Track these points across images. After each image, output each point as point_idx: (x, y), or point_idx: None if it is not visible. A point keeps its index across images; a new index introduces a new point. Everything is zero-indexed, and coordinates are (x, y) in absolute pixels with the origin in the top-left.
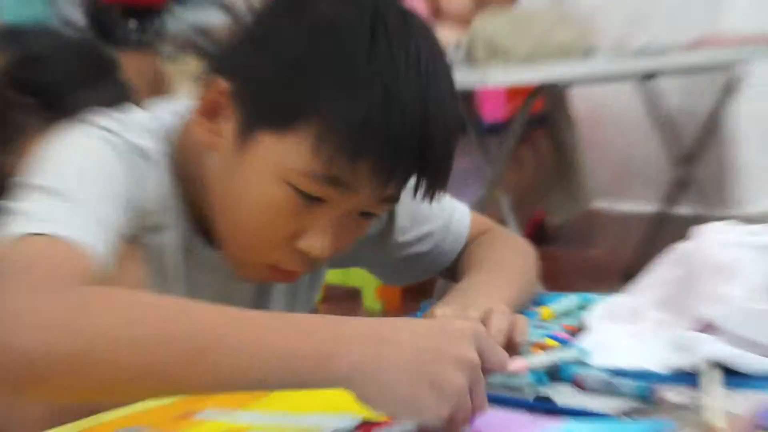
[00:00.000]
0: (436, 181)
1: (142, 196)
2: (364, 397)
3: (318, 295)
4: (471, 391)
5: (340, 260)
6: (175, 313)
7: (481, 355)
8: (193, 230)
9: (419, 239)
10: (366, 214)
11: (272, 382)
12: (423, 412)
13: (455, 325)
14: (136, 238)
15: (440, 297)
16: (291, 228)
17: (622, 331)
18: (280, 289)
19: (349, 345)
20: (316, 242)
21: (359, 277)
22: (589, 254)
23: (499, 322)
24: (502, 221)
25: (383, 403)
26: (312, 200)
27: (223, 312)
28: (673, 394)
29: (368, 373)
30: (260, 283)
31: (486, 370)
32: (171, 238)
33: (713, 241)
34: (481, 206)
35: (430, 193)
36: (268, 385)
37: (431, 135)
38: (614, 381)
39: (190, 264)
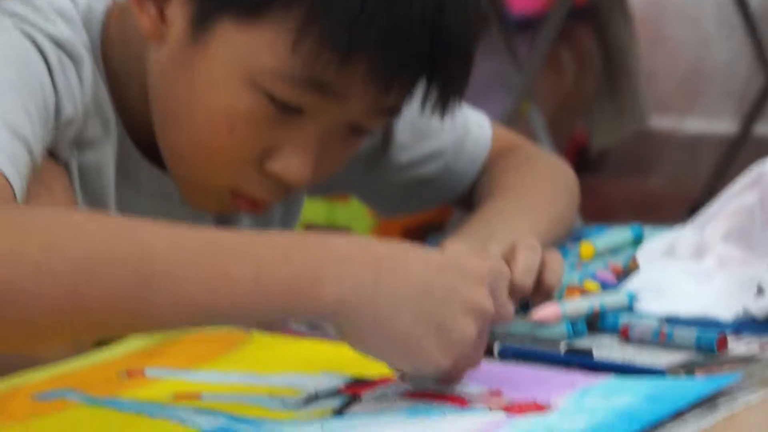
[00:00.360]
0: (450, 89)
1: (68, 102)
2: (351, 336)
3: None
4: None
5: (322, 187)
6: (118, 232)
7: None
8: (130, 145)
9: (424, 159)
10: (357, 130)
11: (240, 313)
12: (421, 360)
13: (472, 262)
14: (61, 155)
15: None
16: (260, 145)
17: (682, 269)
18: (245, 224)
19: (338, 268)
20: (291, 164)
21: (348, 214)
22: (645, 186)
23: (527, 260)
24: (533, 141)
25: (375, 343)
26: (288, 110)
27: (174, 230)
28: (741, 345)
29: (361, 303)
30: (220, 215)
31: (492, 321)
32: (103, 154)
33: None
34: (507, 121)
35: (442, 105)
36: (235, 317)
37: (446, 28)
38: (669, 330)
39: (128, 187)
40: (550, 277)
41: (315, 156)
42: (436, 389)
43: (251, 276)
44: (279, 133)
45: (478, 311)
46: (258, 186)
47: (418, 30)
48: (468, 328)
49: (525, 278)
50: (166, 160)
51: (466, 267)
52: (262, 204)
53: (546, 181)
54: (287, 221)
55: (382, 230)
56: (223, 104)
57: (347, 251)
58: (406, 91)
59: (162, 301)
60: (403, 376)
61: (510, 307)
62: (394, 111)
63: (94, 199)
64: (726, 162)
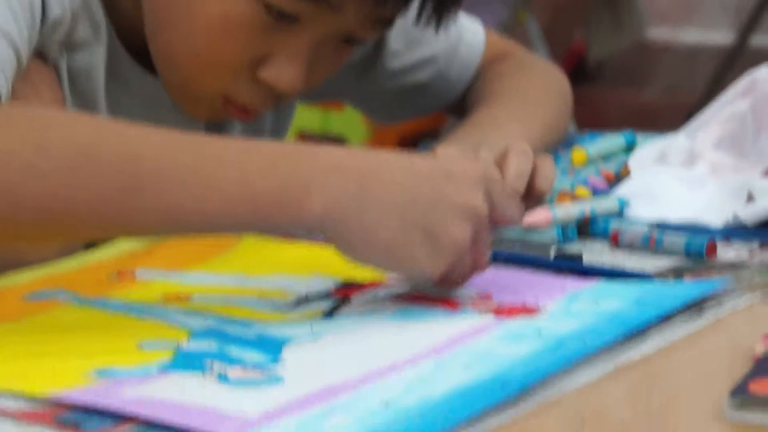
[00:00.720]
0: (447, 1)
1: (54, 3)
2: (340, 245)
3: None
4: (472, 247)
5: (314, 93)
6: (109, 134)
7: (489, 205)
8: (121, 49)
9: (416, 65)
10: (350, 40)
11: (226, 222)
12: (412, 267)
13: (463, 165)
14: (50, 56)
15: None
16: (253, 52)
17: (673, 176)
18: (236, 131)
19: (324, 178)
20: (283, 72)
21: (343, 122)
22: (641, 96)
23: (519, 165)
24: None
25: (364, 252)
26: (283, 18)
27: (164, 135)
28: (731, 251)
29: (348, 213)
30: (211, 121)
31: (494, 224)
32: (93, 57)
33: None
34: (504, 31)
35: (438, 17)
36: (222, 227)
37: None
38: (659, 236)
39: (119, 92)
40: (541, 183)
41: (307, 65)
42: (435, 293)
43: (238, 184)
44: (272, 41)
45: (469, 214)
46: (249, 93)
47: None
48: (459, 233)
49: (516, 183)
50: (157, 64)
51: (455, 171)
52: (252, 111)
53: (539, 87)
54: (278, 129)
55: (377, 138)
56: (217, 10)
57: (334, 161)
58: (402, 3)
59: (147, 206)
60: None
61: (518, 209)
62: (388, 22)
63: (83, 102)
64: (722, 73)
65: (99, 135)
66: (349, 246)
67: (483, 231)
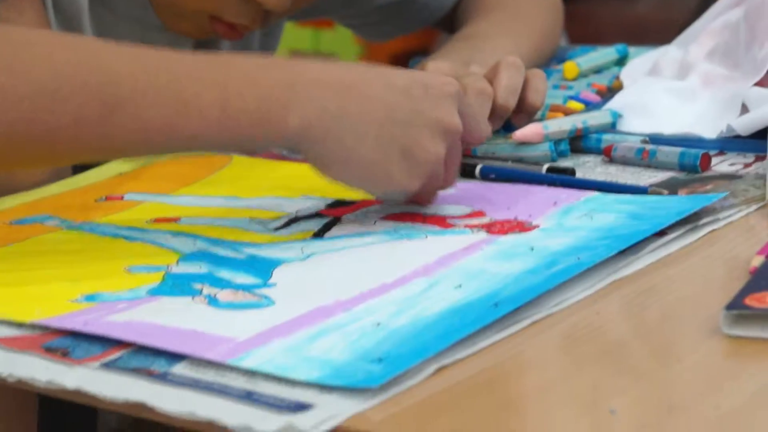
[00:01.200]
0: None
1: None
2: (318, 163)
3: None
4: (446, 161)
5: (303, 12)
6: (81, 54)
7: (461, 121)
8: None
9: None
10: None
11: (206, 141)
12: (390, 184)
13: (441, 80)
14: None
15: None
16: None
17: (666, 88)
18: (225, 48)
19: (304, 95)
20: None
21: (334, 41)
22: (633, 9)
23: (510, 79)
24: None
25: (342, 171)
26: None
27: (143, 53)
28: (725, 164)
29: (327, 131)
30: (199, 40)
31: (464, 141)
32: None
33: None
34: None
35: None
36: (201, 145)
37: None
38: (652, 149)
39: (105, 12)
40: (532, 97)
41: None
42: (411, 210)
43: (217, 104)
44: None
45: (443, 129)
46: (237, 11)
47: None
48: (434, 147)
49: (508, 97)
50: None
51: (431, 84)
52: (240, 29)
53: (529, 3)
54: (266, 48)
55: (369, 57)
56: None
57: (315, 75)
58: None
59: (127, 126)
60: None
61: (485, 126)
62: None
63: (68, 23)
64: None
65: (76, 56)
66: (326, 165)
67: (455, 148)
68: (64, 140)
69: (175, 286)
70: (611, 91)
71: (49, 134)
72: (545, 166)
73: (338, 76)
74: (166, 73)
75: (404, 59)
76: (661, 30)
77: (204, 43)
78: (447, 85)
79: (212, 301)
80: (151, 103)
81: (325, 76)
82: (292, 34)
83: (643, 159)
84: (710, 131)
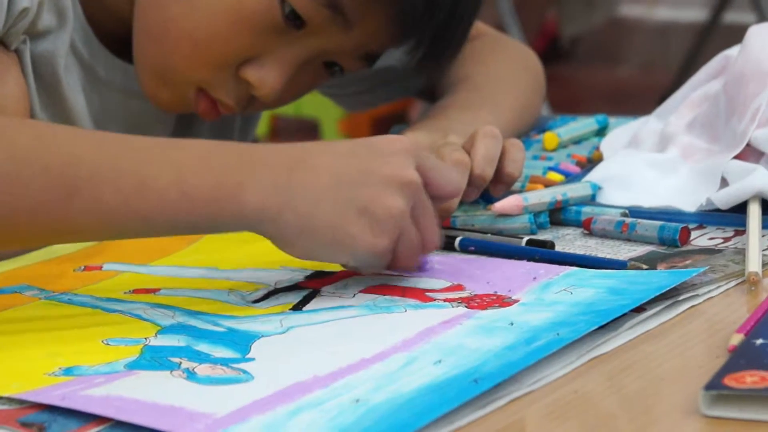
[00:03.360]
0: (443, 51)
1: None
2: (279, 240)
3: (258, 130)
4: (416, 221)
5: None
6: (42, 138)
7: (424, 176)
8: (91, 35)
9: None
10: (331, 67)
11: (166, 223)
12: (355, 244)
13: (387, 139)
14: (12, 44)
15: None
16: (250, 51)
17: (646, 160)
18: (206, 126)
19: (255, 173)
20: (267, 76)
21: (316, 106)
22: (615, 74)
23: (487, 149)
24: (501, 29)
25: (306, 244)
26: (291, 22)
27: (102, 137)
28: (705, 238)
29: (281, 206)
30: (181, 114)
31: (435, 196)
32: (57, 44)
33: (767, 45)
34: None
35: (429, 61)
36: (161, 228)
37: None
38: (631, 222)
39: (91, 80)
40: (510, 166)
41: (291, 76)
42: (390, 283)
43: (173, 184)
44: (269, 42)
45: (399, 183)
46: (226, 89)
47: None
48: (392, 202)
49: (485, 167)
50: (140, 42)
51: (377, 144)
52: (222, 108)
53: (510, 70)
54: (245, 130)
55: (350, 121)
56: (233, 1)
57: (261, 156)
58: (404, 43)
59: (87, 210)
60: (356, 269)
61: (455, 177)
62: (374, 58)
63: (46, 88)
64: (695, 50)
65: (38, 141)
66: (287, 239)
67: (421, 202)
68: (24, 224)
69: (153, 359)
70: (591, 162)
71: (9, 217)
72: (525, 239)
73: (285, 154)
74: (125, 157)
75: (386, 122)
76: (641, 95)
77: (186, 117)
78: (395, 142)
79: (191, 375)
80: (111, 185)
81: (273, 155)
82: None
83: (622, 232)
84: (690, 204)
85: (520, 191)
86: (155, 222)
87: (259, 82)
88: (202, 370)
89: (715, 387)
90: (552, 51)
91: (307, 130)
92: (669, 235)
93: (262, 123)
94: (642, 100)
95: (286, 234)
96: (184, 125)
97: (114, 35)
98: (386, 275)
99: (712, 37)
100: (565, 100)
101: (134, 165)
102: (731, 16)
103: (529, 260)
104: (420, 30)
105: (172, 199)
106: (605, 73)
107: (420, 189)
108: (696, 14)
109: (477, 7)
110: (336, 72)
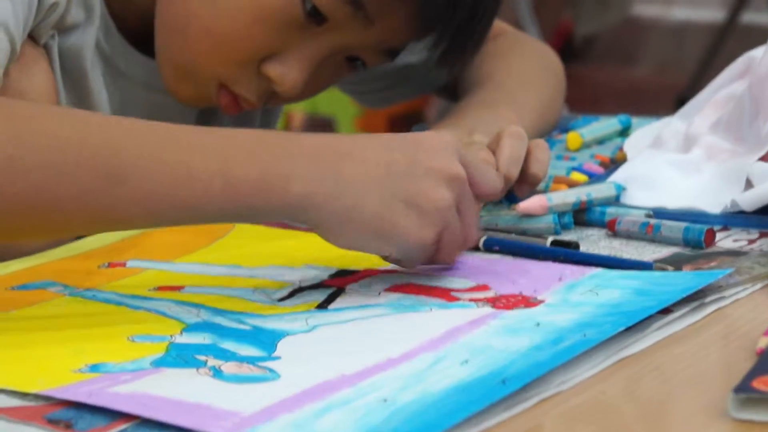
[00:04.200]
0: (464, 47)
1: None
2: (324, 231)
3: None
4: (459, 213)
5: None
6: (90, 128)
7: (467, 173)
8: (114, 31)
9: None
10: (353, 62)
11: (209, 212)
12: (401, 237)
13: (432, 134)
14: (42, 38)
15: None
16: (271, 47)
17: (670, 161)
18: (227, 121)
19: (302, 163)
20: (289, 72)
21: (332, 103)
22: (631, 74)
23: (512, 149)
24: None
25: (351, 234)
26: (313, 18)
27: (145, 126)
28: (729, 240)
29: (328, 197)
30: (203, 109)
31: (475, 193)
32: (85, 39)
33: None
34: None
35: (450, 57)
36: (205, 216)
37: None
38: (656, 223)
39: (112, 74)
40: (535, 167)
41: (312, 71)
42: (415, 281)
43: (219, 173)
44: (291, 38)
45: (446, 176)
46: (248, 85)
47: None
48: (439, 194)
49: (510, 167)
50: (162, 38)
51: (424, 140)
52: (243, 103)
53: (532, 68)
54: (267, 121)
55: (366, 119)
56: None
57: (310, 147)
58: (426, 37)
59: (131, 197)
60: (397, 262)
61: (495, 176)
62: (395, 53)
63: (73, 83)
64: (712, 50)
65: (81, 128)
66: (332, 230)
67: (466, 197)
68: (70, 211)
69: (179, 357)
70: (614, 162)
71: (56, 205)
72: (549, 239)
73: (333, 145)
74: (169, 145)
75: (402, 120)
76: (657, 95)
77: (208, 111)
78: (440, 137)
79: (217, 373)
80: (155, 174)
81: (321, 146)
82: None
83: (647, 233)
84: (714, 206)
85: (543, 191)
86: (200, 211)
87: (280, 79)
88: (229, 368)
89: (745, 390)
90: (567, 51)
91: (324, 127)
92: (694, 236)
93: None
94: (657, 100)
95: (331, 223)
96: (205, 120)
97: (136, 30)
98: (415, 273)
99: (729, 37)
100: (580, 99)
101: (179, 154)
102: (748, 16)
103: (553, 261)
104: (441, 25)
105: (217, 188)
106: (621, 73)
107: (465, 183)
108: (713, 14)
109: (498, 3)
110: (358, 66)
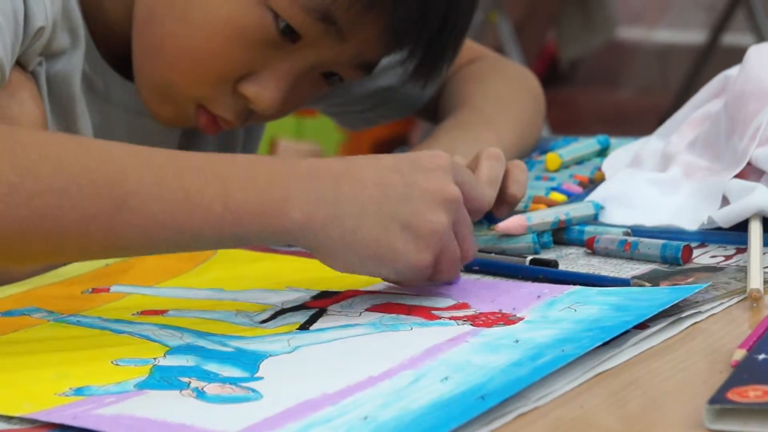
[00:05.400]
0: (436, 60)
1: (37, 12)
2: (323, 254)
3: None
4: (455, 233)
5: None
6: (92, 154)
7: (461, 190)
8: (98, 55)
9: (384, 69)
10: (330, 77)
11: (210, 236)
12: (399, 261)
13: (429, 153)
14: (29, 64)
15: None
16: (245, 66)
17: (648, 179)
18: (210, 139)
19: (302, 186)
20: (265, 90)
21: (317, 129)
22: (615, 97)
23: (491, 170)
24: (501, 52)
25: (349, 257)
26: (289, 36)
27: (145, 152)
28: (707, 256)
29: (326, 220)
30: (186, 131)
31: (469, 209)
32: (72, 64)
33: (767, 64)
34: (475, 32)
35: (422, 75)
36: (206, 241)
37: (458, 7)
38: (634, 241)
39: (97, 99)
40: (513, 188)
41: (289, 89)
42: (395, 301)
43: (219, 198)
44: (265, 57)
45: (442, 198)
46: (225, 105)
47: (439, 3)
48: (436, 217)
49: (489, 189)
50: (139, 59)
51: (420, 160)
52: (222, 123)
53: (511, 91)
54: (250, 141)
55: (351, 144)
56: (225, 14)
57: (308, 169)
58: (398, 51)
59: (133, 224)
60: (396, 282)
61: (486, 191)
62: (371, 67)
63: (60, 108)
64: (695, 73)
65: (83, 154)
66: (331, 253)
67: (461, 216)
68: (73, 237)
69: (162, 379)
70: (593, 182)
71: (58, 231)
72: (528, 258)
73: (329, 167)
74: (170, 170)
75: (386, 146)
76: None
77: (191, 133)
78: (436, 158)
79: (200, 394)
80: (156, 199)
81: (317, 168)
82: (275, 122)
83: (625, 251)
84: (691, 223)
85: (523, 211)
86: (201, 236)
87: (257, 98)
88: (212, 389)
89: (719, 401)
90: (551, 74)
91: (308, 155)
92: (671, 253)
93: (262, 148)
94: (642, 122)
95: (329, 247)
96: (188, 142)
97: (119, 55)
98: (399, 293)
99: (712, 59)
100: (564, 122)
101: (179, 180)
102: (730, 38)
103: (533, 280)
104: (414, 37)
105: (217, 213)
106: (605, 96)
107: (461, 203)
108: (695, 36)
109: (471, 13)
110: (335, 81)
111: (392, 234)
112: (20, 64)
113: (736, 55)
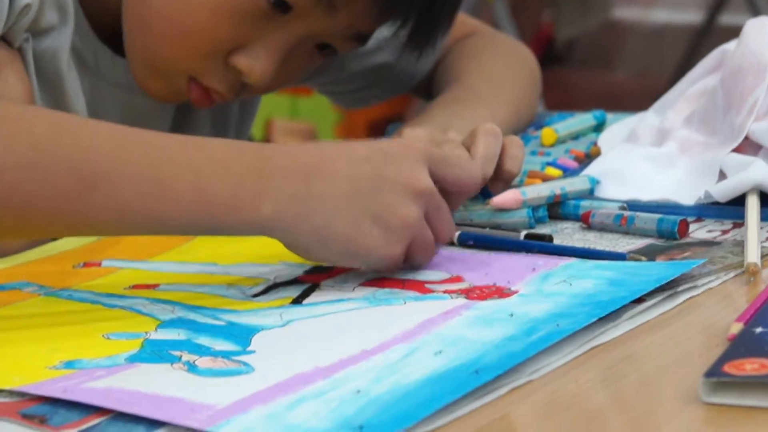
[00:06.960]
0: (431, 34)
1: None
2: (294, 245)
3: (252, 128)
4: (428, 221)
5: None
6: (62, 128)
7: (444, 174)
8: (89, 31)
9: (379, 46)
10: (323, 49)
11: (180, 223)
12: (370, 254)
13: (401, 144)
14: (15, 41)
15: None
16: (236, 38)
17: (644, 155)
18: (204, 116)
19: (272, 182)
20: (257, 62)
21: (312, 108)
22: (610, 77)
23: (487, 146)
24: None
25: (321, 251)
26: (279, 7)
27: (121, 132)
28: (703, 231)
29: (297, 216)
30: (179, 106)
31: (450, 194)
32: (60, 41)
33: (764, 38)
34: (472, 11)
35: (416, 44)
36: (175, 228)
37: None
38: (630, 216)
39: (88, 75)
40: (509, 164)
41: (281, 61)
42: (389, 276)
43: (191, 186)
44: (257, 29)
45: (412, 190)
46: (217, 77)
47: None
48: (406, 209)
49: (485, 165)
50: (129, 34)
51: (392, 151)
52: (215, 95)
53: (507, 66)
54: (244, 117)
55: (347, 124)
56: None
57: (279, 161)
58: (392, 21)
59: (103, 204)
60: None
61: (472, 168)
62: (364, 38)
63: (48, 85)
64: (691, 53)
65: (57, 131)
66: (303, 248)
67: (434, 204)
68: (41, 213)
69: (153, 353)
70: (589, 157)
71: (29, 206)
72: (523, 233)
73: (302, 160)
74: (144, 154)
75: (381, 126)
76: (637, 97)
77: (185, 108)
78: (409, 148)
79: (191, 368)
80: (128, 183)
81: (290, 161)
82: (270, 101)
83: (621, 225)
84: (688, 198)
85: (518, 186)
86: (171, 223)
87: (249, 70)
88: (203, 362)
89: (715, 374)
90: (547, 54)
91: (303, 134)
92: (667, 227)
93: (257, 127)
94: (638, 102)
95: (300, 242)
96: (183, 118)
97: (111, 31)
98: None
99: (708, 39)
100: (560, 103)
101: (153, 164)
102: (727, 18)
103: (527, 253)
104: (406, 7)
105: (189, 201)
106: (601, 76)
107: (433, 194)
108: (692, 16)
109: None
110: (330, 54)
111: (363, 229)
112: (6, 40)
113: (732, 35)
